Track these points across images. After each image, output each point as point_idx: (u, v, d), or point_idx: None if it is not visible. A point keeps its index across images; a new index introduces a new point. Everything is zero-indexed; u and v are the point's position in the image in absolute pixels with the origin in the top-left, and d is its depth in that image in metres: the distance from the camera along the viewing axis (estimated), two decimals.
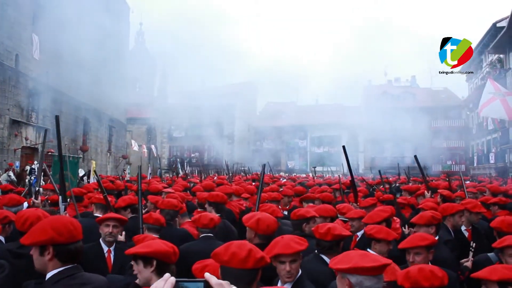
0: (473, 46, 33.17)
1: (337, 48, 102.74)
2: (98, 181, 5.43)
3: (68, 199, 5.66)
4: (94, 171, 11.81)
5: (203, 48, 72.18)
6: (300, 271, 2.97)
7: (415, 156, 8.07)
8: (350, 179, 6.75)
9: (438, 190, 7.79)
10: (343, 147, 6.70)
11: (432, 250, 3.44)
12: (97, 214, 5.23)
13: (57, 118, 4.93)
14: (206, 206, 5.56)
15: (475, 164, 37.30)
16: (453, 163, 41.78)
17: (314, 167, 23.03)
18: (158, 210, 5.31)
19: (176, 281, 1.13)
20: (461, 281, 3.99)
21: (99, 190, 5.43)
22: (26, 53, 22.20)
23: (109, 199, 5.44)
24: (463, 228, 5.22)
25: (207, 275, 1.14)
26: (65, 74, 25.68)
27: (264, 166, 5.27)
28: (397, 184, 12.94)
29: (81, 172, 19.46)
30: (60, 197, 5.35)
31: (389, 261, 2.36)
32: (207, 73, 52.29)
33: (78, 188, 7.25)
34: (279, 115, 49.33)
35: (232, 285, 1.14)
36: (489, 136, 34.41)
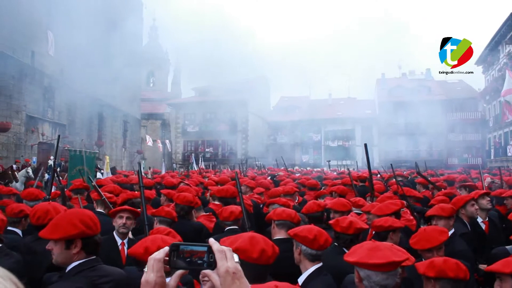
0: (490, 36, 32.69)
1: (350, 41, 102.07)
2: (94, 186, 5.36)
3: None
4: (109, 167, 11.91)
5: (215, 43, 72.17)
6: (317, 265, 2.96)
7: (418, 172, 8.03)
8: (368, 175, 6.71)
9: (456, 185, 7.74)
10: (365, 145, 6.65)
11: None
12: (99, 210, 5.28)
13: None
14: (216, 201, 5.60)
15: (492, 157, 36.75)
16: (469, 156, 41.24)
17: (329, 161, 22.96)
18: (171, 204, 5.35)
19: (181, 245, 1.18)
20: (476, 280, 3.96)
21: (97, 192, 5.42)
22: (41, 50, 22.40)
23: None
24: (480, 220, 5.17)
25: (211, 240, 1.19)
26: (79, 70, 25.94)
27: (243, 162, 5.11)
28: (412, 177, 12.85)
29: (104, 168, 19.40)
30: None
31: (401, 258, 2.25)
32: (220, 67, 52.27)
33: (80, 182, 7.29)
34: (293, 110, 49.20)
35: (234, 253, 1.19)
36: (507, 129, 33.86)
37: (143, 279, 1.17)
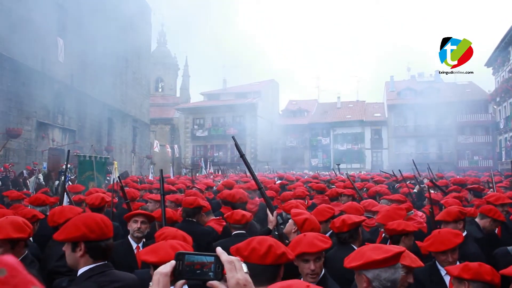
0: (500, 38, 32.35)
1: (359, 43, 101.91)
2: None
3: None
4: (118, 172, 11.92)
5: (224, 47, 72.52)
6: (323, 270, 2.93)
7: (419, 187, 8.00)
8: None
9: (467, 187, 7.67)
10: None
11: None
12: None
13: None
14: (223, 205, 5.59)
15: (503, 159, 36.35)
16: (480, 158, 40.87)
17: (338, 165, 22.82)
18: (179, 209, 5.39)
19: (187, 254, 1.15)
20: None
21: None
22: (51, 56, 22.54)
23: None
24: None
25: (218, 250, 1.16)
26: (89, 76, 26.11)
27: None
28: (422, 180, 12.74)
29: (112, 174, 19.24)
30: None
31: (402, 248, 2.33)
32: (229, 72, 52.53)
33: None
34: (302, 113, 49.19)
35: (243, 263, 1.16)
36: None
37: None
